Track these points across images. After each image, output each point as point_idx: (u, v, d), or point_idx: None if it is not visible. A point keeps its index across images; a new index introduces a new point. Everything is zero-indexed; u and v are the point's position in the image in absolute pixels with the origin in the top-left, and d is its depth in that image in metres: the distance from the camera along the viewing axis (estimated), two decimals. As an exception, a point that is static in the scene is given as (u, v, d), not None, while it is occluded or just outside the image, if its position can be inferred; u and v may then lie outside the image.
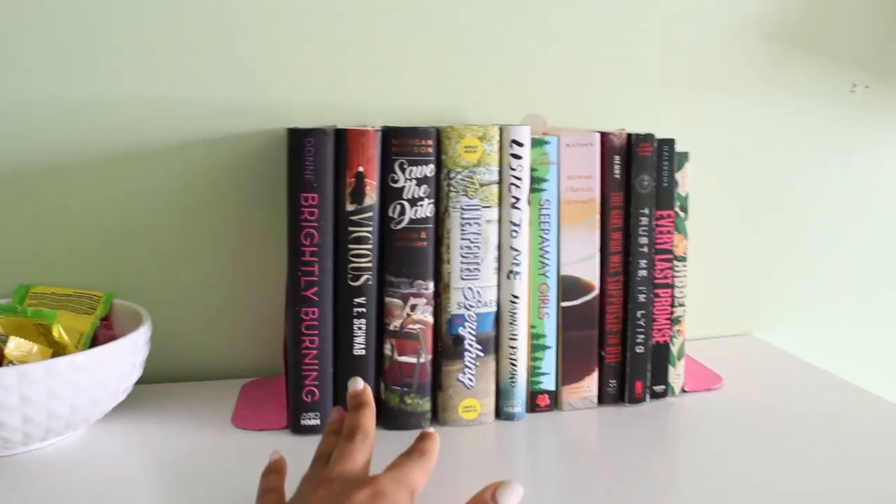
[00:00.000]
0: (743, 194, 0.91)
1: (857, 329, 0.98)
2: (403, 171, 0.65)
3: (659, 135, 0.71)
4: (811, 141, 0.92)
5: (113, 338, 0.72)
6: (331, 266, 0.65)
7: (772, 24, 0.88)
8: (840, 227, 0.95)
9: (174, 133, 0.77)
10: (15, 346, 0.65)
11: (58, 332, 0.66)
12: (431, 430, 0.54)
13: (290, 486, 0.53)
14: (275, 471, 0.53)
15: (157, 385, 0.78)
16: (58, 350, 0.67)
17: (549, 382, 0.71)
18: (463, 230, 0.66)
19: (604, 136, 0.70)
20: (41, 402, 0.60)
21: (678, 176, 0.72)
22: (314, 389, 0.66)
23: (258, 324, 0.81)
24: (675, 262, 0.73)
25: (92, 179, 0.77)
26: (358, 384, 0.57)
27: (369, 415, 0.54)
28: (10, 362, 0.63)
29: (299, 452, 0.59)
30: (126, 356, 0.66)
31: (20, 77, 0.74)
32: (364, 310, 0.66)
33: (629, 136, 0.70)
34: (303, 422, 0.66)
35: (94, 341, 0.73)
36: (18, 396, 0.59)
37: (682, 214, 0.73)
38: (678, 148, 0.72)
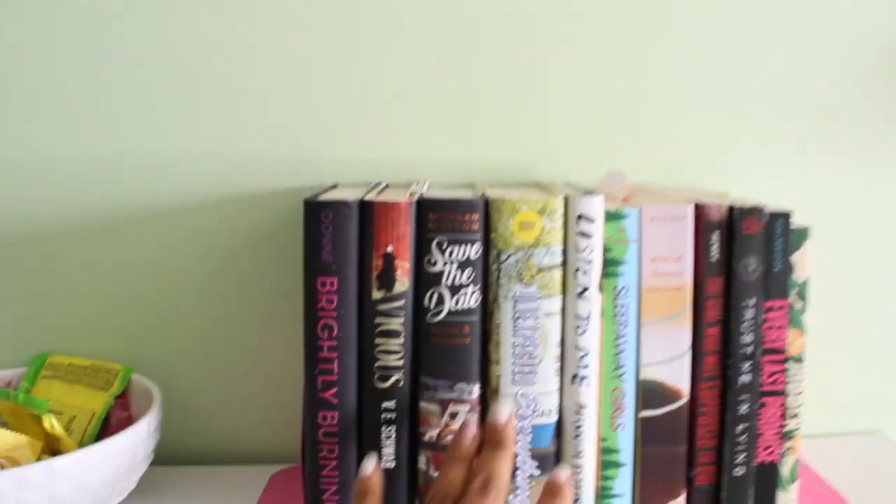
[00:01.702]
0: (871, 270, 0.75)
1: None
2: (443, 251, 0.53)
3: (770, 204, 0.57)
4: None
5: (128, 418, 0.67)
6: (354, 364, 0.54)
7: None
8: None
9: (205, 191, 0.69)
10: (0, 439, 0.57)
11: (49, 424, 0.58)
12: (564, 476, 0.47)
13: None
14: (369, 492, 0.47)
15: (174, 468, 0.70)
16: (51, 440, 0.59)
17: (622, 507, 0.57)
18: (516, 324, 0.54)
19: (699, 207, 0.56)
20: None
21: (795, 258, 0.58)
22: (334, 505, 0.55)
23: (292, 402, 0.71)
24: (789, 364, 0.58)
25: (113, 240, 0.70)
26: (501, 416, 0.49)
27: (508, 459, 0.47)
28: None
29: None
30: (133, 448, 0.59)
31: (43, 136, 0.68)
32: (394, 416, 0.55)
33: (731, 208, 0.56)
34: (322, 541, 0.55)
35: (107, 421, 0.66)
36: (15, 500, 0.51)
37: (798, 305, 0.58)
38: (795, 222, 0.57)
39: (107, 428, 0.66)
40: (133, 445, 0.59)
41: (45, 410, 0.59)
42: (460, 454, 0.49)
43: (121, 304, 0.70)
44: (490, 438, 0.48)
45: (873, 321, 0.76)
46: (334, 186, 0.66)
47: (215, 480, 0.69)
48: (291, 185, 0.68)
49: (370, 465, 0.49)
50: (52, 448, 0.59)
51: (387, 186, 0.64)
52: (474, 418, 0.50)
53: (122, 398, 0.68)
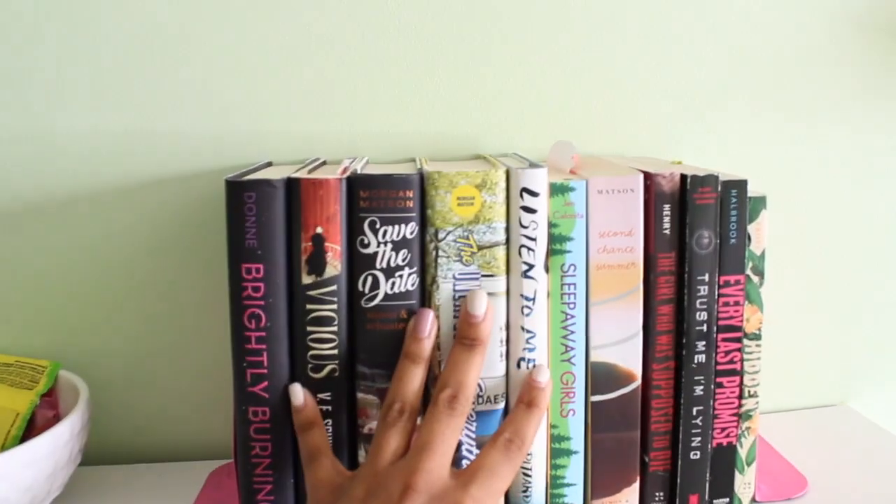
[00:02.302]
0: (832, 241, 0.73)
1: None
2: (376, 231, 0.49)
3: (725, 171, 0.55)
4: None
5: (55, 417, 0.63)
6: (285, 355, 0.51)
7: (879, 17, 0.69)
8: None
9: (136, 174, 0.65)
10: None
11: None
12: (544, 379, 0.47)
13: None
14: (314, 424, 0.47)
15: (108, 468, 0.66)
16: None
17: (575, 495, 0.55)
18: (457, 307, 0.51)
19: (649, 178, 0.53)
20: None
21: (751, 229, 0.55)
22: (269, 505, 0.52)
23: (229, 396, 0.67)
24: (745, 342, 0.56)
25: (37, 226, 0.65)
26: (479, 306, 0.46)
27: (477, 365, 0.46)
28: None
29: None
30: (57, 451, 0.55)
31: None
32: (330, 408, 0.51)
33: (683, 177, 0.53)
34: (258, 544, 0.52)
35: (32, 421, 0.62)
36: None
37: (755, 279, 0.55)
38: (752, 191, 0.54)
39: (32, 429, 0.62)
40: (56, 447, 0.56)
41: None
42: (418, 351, 0.46)
43: (46, 297, 0.66)
44: (463, 334, 0.46)
45: (833, 292, 0.74)
46: (269, 164, 0.62)
47: (151, 479, 0.65)
48: (226, 163, 0.64)
49: (300, 394, 0.47)
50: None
51: (324, 163, 0.61)
52: (429, 312, 0.47)
53: (49, 397, 0.64)
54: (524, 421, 0.46)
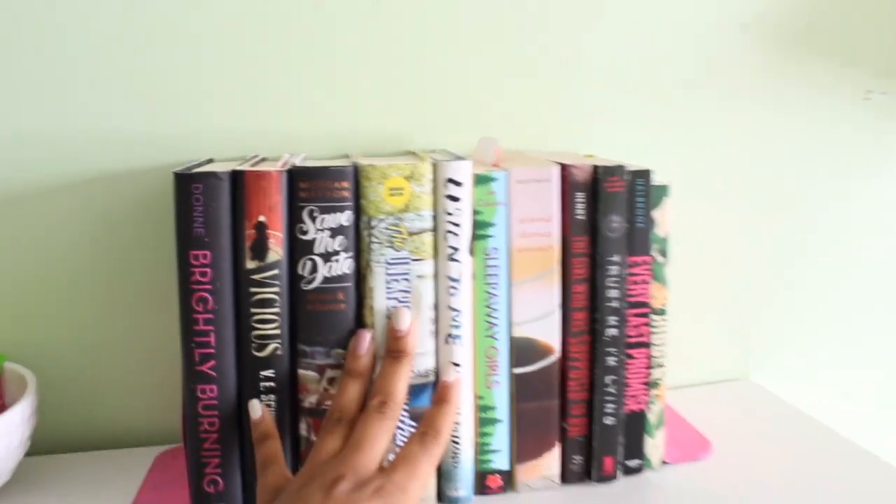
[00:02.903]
0: (733, 225, 0.80)
1: (863, 370, 0.86)
2: (314, 220, 0.54)
3: (633, 163, 0.60)
4: (815, 160, 0.80)
5: (1, 406, 0.63)
6: (231, 335, 0.54)
7: (768, 27, 0.76)
8: (848, 260, 0.83)
9: (76, 169, 0.67)
10: None
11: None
12: (453, 378, 0.51)
13: None
14: (269, 436, 0.50)
15: (53, 457, 0.68)
16: (-82, 432, 0.57)
17: (501, 461, 0.60)
18: (389, 288, 0.55)
19: (564, 168, 0.58)
20: None
21: (656, 214, 0.61)
22: (217, 479, 0.56)
23: (174, 381, 0.70)
24: (653, 317, 0.61)
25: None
26: (404, 321, 0.51)
27: (406, 374, 0.50)
28: None
29: None
30: (4, 436, 0.57)
31: None
32: (273, 384, 0.55)
33: (595, 168, 0.58)
34: (207, 515, 0.56)
35: None
36: None
37: (660, 260, 0.61)
38: (656, 180, 0.60)
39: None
40: (7, 432, 0.58)
41: None
42: (355, 368, 0.51)
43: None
44: (390, 347, 0.50)
45: (734, 274, 0.81)
46: (210, 161, 0.65)
47: (98, 465, 0.67)
48: (166, 160, 0.67)
49: (257, 409, 0.51)
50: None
51: (263, 160, 0.64)
52: (367, 333, 0.52)
53: (-6, 386, 0.66)
54: (436, 416, 0.50)
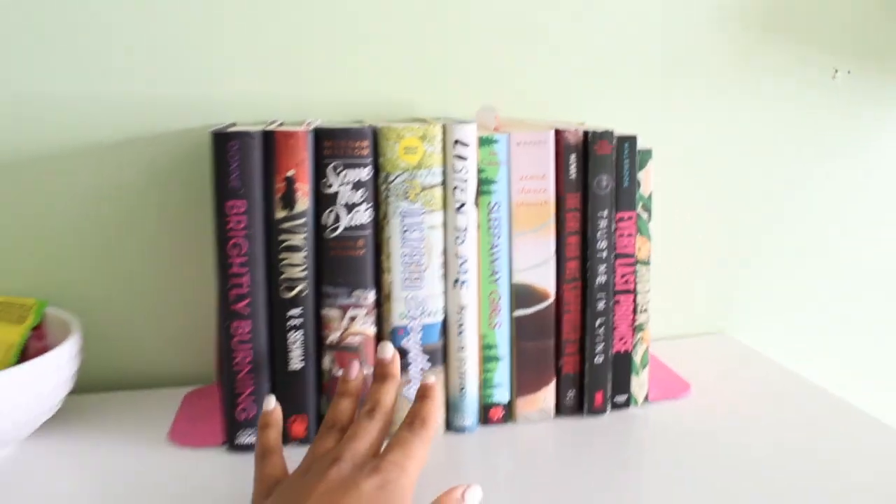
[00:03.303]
0: (714, 190, 0.87)
1: (833, 327, 0.94)
2: (337, 174, 0.60)
3: (621, 130, 0.67)
4: (789, 132, 0.87)
5: (45, 349, 0.70)
6: (262, 277, 0.61)
7: (746, 9, 0.83)
8: (816, 222, 0.91)
9: (107, 131, 0.73)
10: (-71, 363, 0.60)
11: (-25, 348, 0.62)
12: (431, 380, 0.52)
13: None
14: (272, 425, 0.52)
15: (92, 395, 0.74)
16: (-23, 367, 0.63)
17: (502, 395, 0.67)
18: (404, 237, 0.62)
19: (558, 133, 0.65)
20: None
21: (640, 175, 0.68)
22: (250, 407, 0.62)
23: (201, 328, 0.77)
24: (638, 267, 0.68)
25: (19, 182, 0.73)
26: (387, 352, 0.54)
27: (392, 389, 0.52)
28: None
29: (236, 471, 0.58)
30: (55, 371, 0.63)
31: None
32: (300, 322, 0.62)
33: (586, 133, 0.65)
34: (238, 440, 0.63)
35: (25, 352, 0.69)
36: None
37: (644, 216, 0.68)
38: (640, 145, 0.67)
39: (24, 360, 0.69)
40: (58, 366, 0.63)
41: (-30, 336, 0.63)
42: (347, 389, 0.54)
43: (32, 243, 0.74)
44: (378, 372, 0.54)
45: (714, 233, 0.88)
46: (233, 125, 0.72)
47: (132, 403, 0.73)
48: (193, 124, 0.73)
49: (271, 402, 0.54)
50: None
51: (282, 124, 0.70)
52: (356, 362, 0.55)
53: (38, 330, 0.72)
54: (420, 408, 0.51)
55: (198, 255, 0.75)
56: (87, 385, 0.75)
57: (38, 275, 0.75)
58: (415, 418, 0.50)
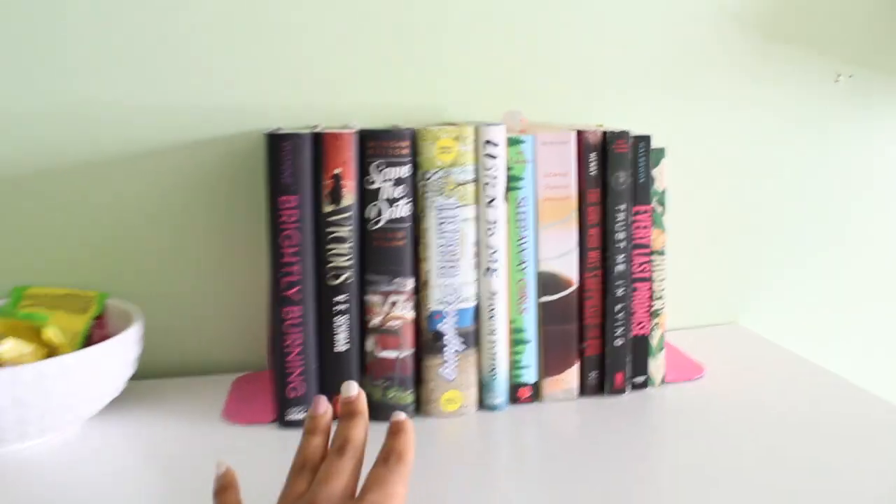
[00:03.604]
0: (725, 186, 0.92)
1: (841, 317, 0.99)
2: (380, 172, 0.66)
3: (637, 131, 0.72)
4: (795, 132, 0.93)
5: (106, 336, 0.75)
6: (311, 266, 0.67)
7: (751, 15, 0.89)
8: (823, 217, 0.96)
9: (164, 137, 0.79)
10: (9, 347, 0.67)
11: (48, 334, 0.68)
12: (402, 416, 0.49)
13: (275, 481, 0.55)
14: (228, 486, 0.49)
15: (150, 381, 0.80)
16: (52, 350, 0.69)
17: (529, 375, 0.72)
18: (440, 229, 0.67)
19: (579, 133, 0.71)
20: (33, 403, 0.62)
21: (655, 172, 0.73)
22: (299, 385, 0.68)
23: (247, 320, 0.83)
24: (653, 257, 0.74)
25: (85, 183, 0.79)
26: (352, 390, 0.51)
27: (362, 426, 0.49)
28: (2, 364, 0.65)
29: (286, 445, 0.64)
30: (117, 355, 0.68)
31: (19, 85, 0.76)
32: (345, 307, 0.68)
33: (604, 133, 0.71)
34: (288, 417, 0.68)
35: (89, 340, 0.75)
36: (11, 397, 0.61)
37: (659, 209, 0.74)
38: (655, 144, 0.73)
39: (88, 346, 0.75)
40: (117, 353, 0.69)
41: (45, 323, 0.69)
42: (316, 426, 0.51)
43: (93, 241, 0.80)
44: (344, 410, 0.51)
45: (728, 226, 0.93)
46: (279, 129, 0.78)
47: (186, 388, 0.79)
48: (243, 129, 0.80)
49: (223, 465, 0.51)
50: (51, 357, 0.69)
51: (323, 128, 0.77)
52: (323, 397, 0.52)
53: (100, 320, 0.78)
54: (394, 443, 0.48)
55: (246, 252, 0.81)
56: (145, 372, 0.81)
57: (101, 271, 0.81)
58: (390, 454, 0.47)
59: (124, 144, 0.79)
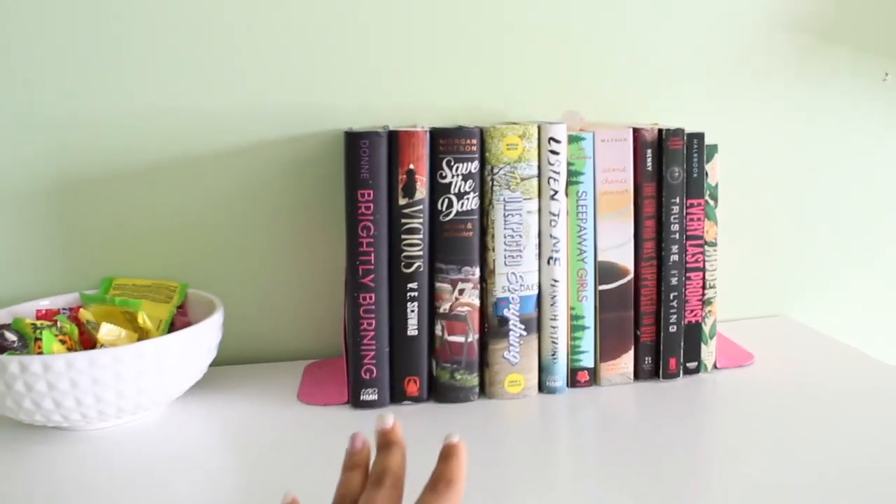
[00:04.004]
0: (775, 181, 0.95)
1: (888, 317, 1.01)
2: (450, 167, 0.71)
3: (690, 129, 0.76)
4: (843, 129, 0.96)
5: (188, 324, 0.80)
6: (385, 255, 0.71)
7: (800, 18, 0.92)
8: (872, 215, 0.99)
9: (240, 136, 0.84)
10: (107, 331, 0.72)
11: (142, 318, 0.74)
12: (455, 439, 0.47)
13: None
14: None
15: (228, 367, 0.85)
16: (142, 335, 0.75)
17: (588, 360, 0.76)
18: (506, 220, 0.72)
19: (636, 131, 0.75)
20: (131, 380, 0.67)
21: (708, 167, 0.77)
22: (372, 367, 0.73)
23: (319, 310, 0.88)
24: (706, 248, 0.78)
25: (165, 181, 0.84)
26: (388, 421, 0.49)
27: (399, 455, 0.47)
28: (103, 346, 0.71)
29: (359, 424, 0.69)
30: (204, 339, 0.73)
31: (101, 91, 0.82)
32: (416, 294, 0.72)
33: (660, 130, 0.75)
34: (362, 397, 0.73)
35: (172, 327, 0.80)
36: (113, 374, 0.66)
37: (711, 203, 0.78)
38: (708, 141, 0.76)
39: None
40: (203, 337, 0.74)
41: (139, 308, 0.75)
42: (353, 462, 0.49)
43: (176, 235, 0.85)
44: (380, 441, 0.49)
45: (776, 221, 0.97)
46: (350, 129, 0.83)
47: (262, 373, 0.84)
48: (317, 129, 0.85)
49: (289, 496, 0.49)
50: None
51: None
52: (361, 433, 0.50)
53: (182, 309, 0.83)
54: (444, 469, 0.46)
55: (317, 247, 0.86)
56: (224, 359, 0.86)
57: (183, 264, 0.86)
58: (439, 481, 0.45)
59: (206, 145, 0.84)
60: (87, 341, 0.73)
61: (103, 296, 0.78)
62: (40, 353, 0.68)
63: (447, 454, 0.46)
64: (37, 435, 0.70)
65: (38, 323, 0.71)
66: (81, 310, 0.75)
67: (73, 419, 0.67)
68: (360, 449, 0.50)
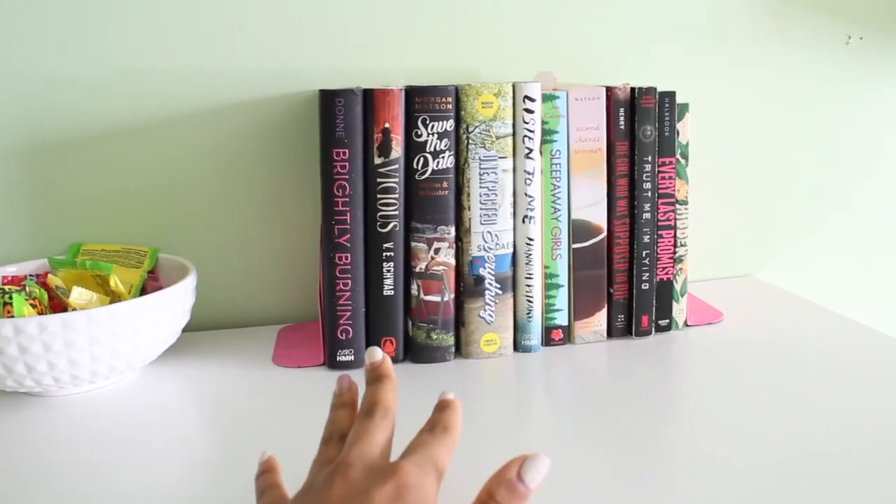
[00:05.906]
0: (742, 142, 0.97)
1: (854, 273, 1.04)
2: (426, 126, 0.71)
3: (661, 88, 0.77)
4: (807, 91, 0.98)
5: (160, 289, 0.78)
6: (361, 215, 0.71)
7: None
8: (836, 173, 1.01)
9: (213, 98, 0.83)
10: (78, 295, 0.71)
11: (114, 281, 0.73)
12: (451, 396, 0.47)
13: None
14: (268, 470, 0.48)
15: (201, 332, 0.85)
16: (114, 299, 0.74)
17: (562, 318, 0.77)
18: (481, 179, 0.72)
19: (609, 90, 0.75)
20: (106, 343, 0.66)
21: (679, 126, 0.78)
22: (348, 328, 0.73)
23: (293, 273, 0.87)
24: (677, 206, 0.79)
25: (136, 143, 0.83)
26: (376, 354, 0.50)
27: (390, 388, 0.47)
28: (74, 309, 0.70)
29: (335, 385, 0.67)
30: (177, 301, 0.73)
31: (79, 51, 0.80)
32: (392, 254, 0.72)
33: (633, 89, 0.75)
34: (339, 358, 0.73)
35: (143, 292, 0.79)
36: (87, 337, 0.65)
37: (682, 161, 0.78)
38: (679, 100, 0.77)
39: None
40: (176, 299, 0.73)
41: (111, 272, 0.74)
42: (341, 401, 0.49)
43: (146, 199, 0.84)
44: (370, 376, 0.49)
45: (745, 182, 0.98)
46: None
47: (235, 338, 0.83)
48: (288, 91, 0.84)
49: (265, 454, 0.50)
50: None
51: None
52: (347, 375, 0.51)
53: (153, 273, 0.82)
54: (441, 415, 0.46)
55: (290, 211, 0.86)
56: (196, 324, 0.85)
57: (153, 228, 0.85)
58: (436, 424, 0.45)
59: (177, 107, 0.83)
60: (58, 306, 0.72)
61: (73, 260, 0.76)
62: (11, 317, 0.67)
63: (443, 406, 0.46)
64: (9, 401, 0.69)
65: (7, 288, 0.70)
66: (50, 275, 0.74)
67: (46, 384, 0.67)
68: (347, 388, 0.50)
